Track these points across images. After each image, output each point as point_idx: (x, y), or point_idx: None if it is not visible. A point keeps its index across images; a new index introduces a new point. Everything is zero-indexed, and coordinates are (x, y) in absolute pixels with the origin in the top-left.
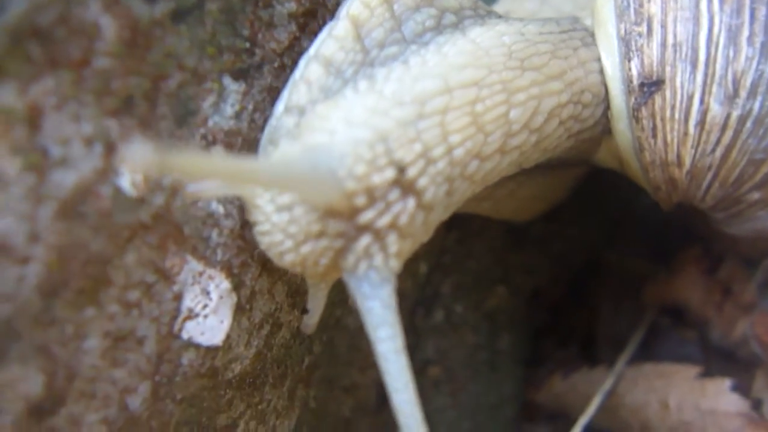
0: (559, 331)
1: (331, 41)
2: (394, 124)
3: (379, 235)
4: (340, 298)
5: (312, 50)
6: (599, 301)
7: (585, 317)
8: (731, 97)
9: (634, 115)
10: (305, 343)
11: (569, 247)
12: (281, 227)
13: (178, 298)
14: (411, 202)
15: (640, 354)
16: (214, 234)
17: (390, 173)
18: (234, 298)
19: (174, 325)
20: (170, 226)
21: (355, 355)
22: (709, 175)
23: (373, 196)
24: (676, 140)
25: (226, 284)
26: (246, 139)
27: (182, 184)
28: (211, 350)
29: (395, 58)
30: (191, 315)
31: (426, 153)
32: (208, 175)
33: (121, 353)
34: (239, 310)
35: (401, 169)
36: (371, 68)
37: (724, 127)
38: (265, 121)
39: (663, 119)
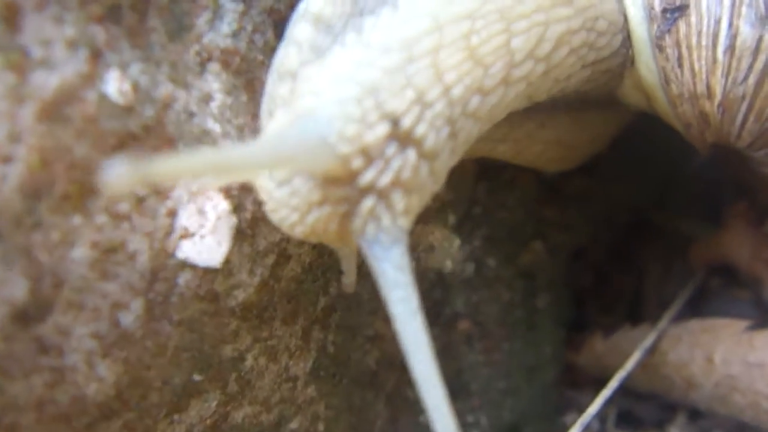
0: (603, 296)
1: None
2: (382, 73)
3: (383, 195)
4: None
5: (300, 8)
6: (646, 263)
7: (631, 281)
8: (763, 18)
9: (658, 44)
10: (319, 282)
11: (612, 206)
12: (284, 202)
13: (172, 214)
14: (411, 154)
15: (689, 315)
16: None
17: (383, 128)
18: (233, 220)
19: (168, 243)
20: (162, 139)
21: (379, 304)
22: (744, 107)
23: (369, 155)
24: (704, 69)
25: (224, 205)
26: (245, 59)
27: (174, 98)
28: (209, 272)
29: (385, 1)
30: (187, 234)
31: (420, 98)
32: (196, 174)
33: (111, 266)
34: (240, 235)
35: (395, 121)
36: (360, 18)
37: (756, 51)
38: (266, 44)
39: (689, 47)
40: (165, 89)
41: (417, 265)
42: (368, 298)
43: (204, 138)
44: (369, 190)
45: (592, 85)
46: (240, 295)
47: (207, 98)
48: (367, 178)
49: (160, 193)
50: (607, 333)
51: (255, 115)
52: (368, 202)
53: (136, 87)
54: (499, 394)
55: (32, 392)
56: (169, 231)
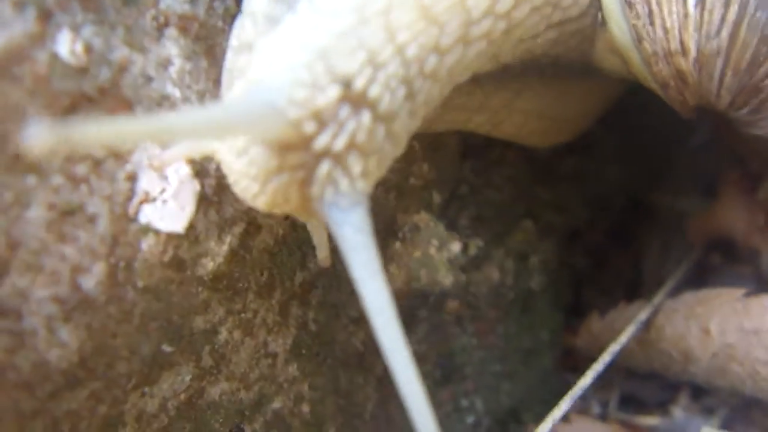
0: (601, 278)
1: None
2: (332, 37)
3: (338, 159)
4: None
5: None
6: (644, 243)
7: (629, 262)
8: None
9: (627, 1)
10: (295, 256)
11: (607, 186)
12: (243, 172)
13: (132, 178)
14: (366, 116)
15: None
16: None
17: (334, 90)
18: (196, 185)
19: (129, 207)
20: (119, 101)
21: None
22: (719, 62)
23: (321, 119)
24: (676, 24)
25: (186, 169)
26: (204, 25)
27: (130, 62)
28: (173, 237)
29: None
30: (148, 198)
31: (372, 59)
32: (134, 140)
33: (69, 228)
34: (205, 201)
35: (347, 83)
36: None
37: (727, 3)
38: (226, 10)
39: (659, 2)
40: (121, 53)
41: (403, 246)
42: (349, 277)
43: (163, 102)
44: (324, 154)
45: (562, 48)
46: (208, 264)
47: (165, 63)
48: (321, 142)
49: (119, 156)
50: (604, 311)
51: (216, 81)
52: (324, 167)
53: (89, 49)
54: (495, 378)
55: None
56: (130, 195)
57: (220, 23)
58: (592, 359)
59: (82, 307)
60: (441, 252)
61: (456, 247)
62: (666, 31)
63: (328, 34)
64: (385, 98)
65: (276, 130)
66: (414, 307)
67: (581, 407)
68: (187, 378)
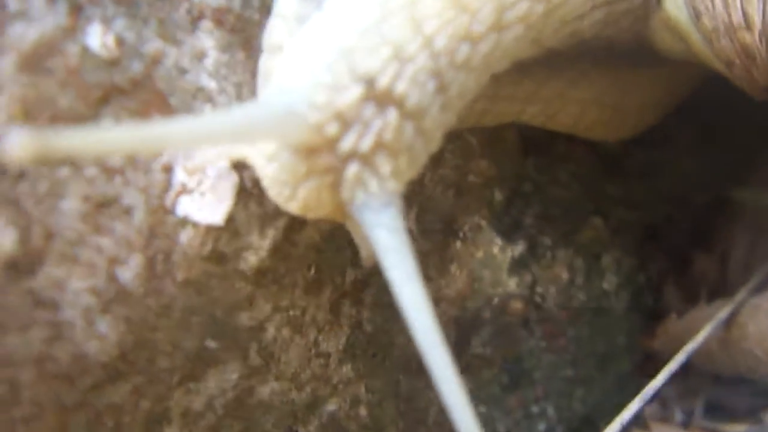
0: (683, 281)
1: None
2: (355, 34)
3: (366, 160)
4: None
5: None
6: (730, 244)
7: (714, 264)
8: None
9: None
10: (345, 253)
11: (686, 183)
12: (275, 177)
13: (168, 170)
14: (392, 114)
15: None
16: (207, 108)
17: (356, 90)
18: (235, 177)
19: (166, 199)
20: (152, 93)
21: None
22: None
23: (345, 120)
24: None
25: (223, 163)
26: (240, 18)
27: (164, 54)
28: (213, 230)
29: None
30: (185, 190)
31: (398, 53)
32: (148, 148)
33: (105, 220)
34: (244, 194)
35: (370, 81)
36: None
37: None
38: (262, 3)
39: None
40: (153, 45)
41: (464, 246)
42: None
43: (198, 94)
44: (351, 156)
45: (614, 29)
46: (251, 258)
47: (200, 55)
48: (346, 144)
49: None
50: (682, 311)
51: (254, 73)
52: (352, 168)
53: (120, 42)
54: (567, 384)
55: (30, 347)
56: (166, 187)
57: (256, 16)
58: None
59: (119, 300)
60: (505, 252)
61: (521, 246)
62: (726, 4)
63: (352, 31)
64: (413, 94)
65: (299, 135)
66: (477, 309)
67: (662, 415)
68: (235, 376)
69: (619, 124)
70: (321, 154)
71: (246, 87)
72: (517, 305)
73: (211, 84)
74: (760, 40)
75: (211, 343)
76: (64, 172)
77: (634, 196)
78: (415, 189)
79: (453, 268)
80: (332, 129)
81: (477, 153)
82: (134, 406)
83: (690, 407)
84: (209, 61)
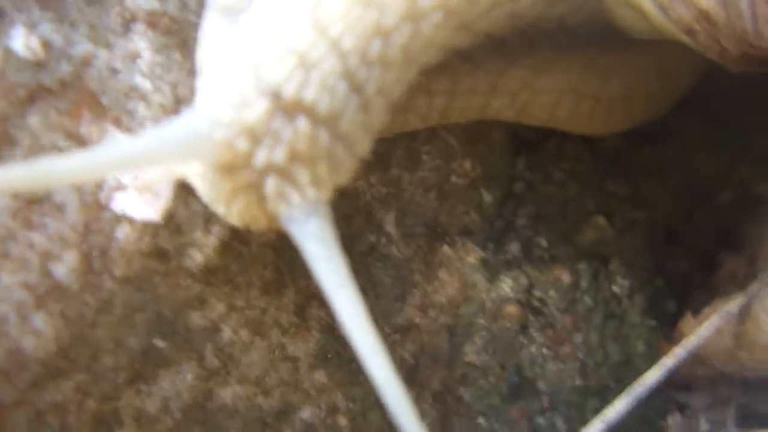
0: (712, 285)
1: None
2: (261, 47)
3: (283, 172)
4: (373, 222)
5: (210, 4)
6: (758, 243)
7: (742, 264)
8: None
9: None
10: None
11: (699, 179)
12: (207, 195)
13: None
14: (302, 122)
15: None
16: (141, 107)
17: (262, 104)
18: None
19: (100, 195)
20: (83, 93)
21: (406, 290)
22: None
23: (254, 134)
24: None
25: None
26: (175, 20)
27: (94, 56)
28: (150, 226)
29: None
30: (120, 186)
31: (303, 61)
32: (61, 181)
33: (36, 216)
34: (185, 189)
35: (275, 93)
36: None
37: None
38: (200, 4)
39: None
40: (83, 48)
41: (452, 250)
42: (391, 282)
43: (132, 93)
44: (267, 170)
45: (564, 7)
46: (196, 256)
47: (133, 56)
48: (260, 158)
49: (85, 145)
50: (697, 309)
51: (191, 72)
52: (271, 182)
53: (47, 45)
54: (577, 394)
55: None
56: (100, 184)
57: (193, 18)
58: (701, 373)
59: (54, 295)
60: (497, 254)
61: (514, 247)
62: None
63: (259, 43)
64: (323, 99)
65: (209, 153)
66: (470, 315)
67: (686, 424)
68: (189, 377)
69: (606, 116)
70: (239, 170)
71: (182, 86)
72: (512, 309)
73: (145, 84)
74: (717, 1)
75: (160, 343)
76: None
77: (642, 193)
78: (392, 192)
79: (442, 273)
80: (242, 145)
81: (458, 153)
82: (79, 406)
83: (721, 417)
84: (143, 62)
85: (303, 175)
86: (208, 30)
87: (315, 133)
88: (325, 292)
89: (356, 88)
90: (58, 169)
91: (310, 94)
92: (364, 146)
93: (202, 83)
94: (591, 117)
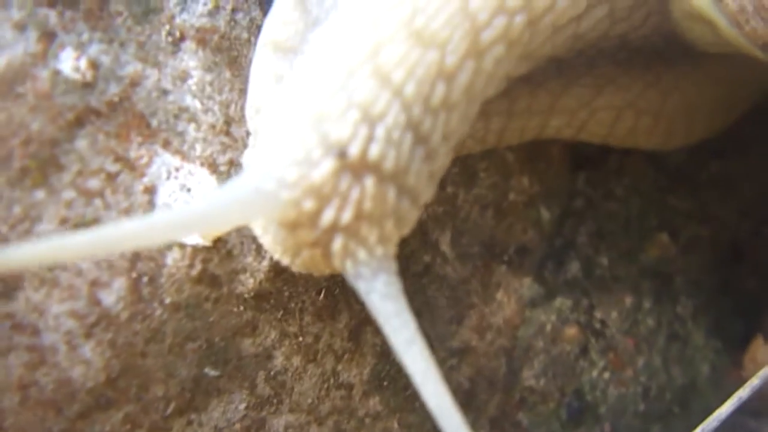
0: None
1: (272, 20)
2: (323, 99)
3: (350, 231)
4: (428, 242)
5: (259, 40)
6: None
7: None
8: None
9: None
10: None
11: (766, 194)
12: (271, 248)
13: (151, 191)
14: (369, 182)
15: None
16: (191, 128)
17: (329, 163)
18: None
19: None
20: (131, 115)
21: (462, 311)
22: None
23: (320, 194)
24: None
25: (211, 180)
26: (225, 37)
27: (143, 76)
28: (200, 251)
29: (334, 5)
30: None
31: (366, 115)
32: (119, 247)
33: None
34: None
35: (341, 152)
36: (313, 30)
37: None
38: (251, 21)
39: None
40: (132, 68)
41: (510, 270)
42: (446, 303)
43: (182, 114)
44: (334, 229)
45: (625, 26)
46: (248, 281)
47: (183, 76)
48: (326, 218)
49: (135, 169)
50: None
51: (241, 91)
52: (338, 242)
53: (95, 65)
54: (640, 420)
55: (11, 372)
56: (149, 209)
57: (245, 34)
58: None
59: (103, 323)
60: (557, 274)
61: (574, 267)
62: None
63: (319, 95)
64: (389, 155)
65: (274, 213)
66: (528, 337)
67: None
68: (242, 406)
69: (666, 131)
70: (303, 229)
71: (233, 106)
72: (572, 332)
73: (195, 104)
74: None
75: (211, 371)
76: (40, 195)
77: (707, 209)
78: (448, 211)
79: (499, 294)
80: (309, 205)
81: (516, 169)
82: None
83: None
84: (192, 82)
85: (371, 234)
86: (260, 69)
87: (382, 190)
88: (393, 347)
89: (421, 138)
90: (125, 235)
91: (376, 151)
92: (428, 195)
93: (260, 132)
94: (651, 133)
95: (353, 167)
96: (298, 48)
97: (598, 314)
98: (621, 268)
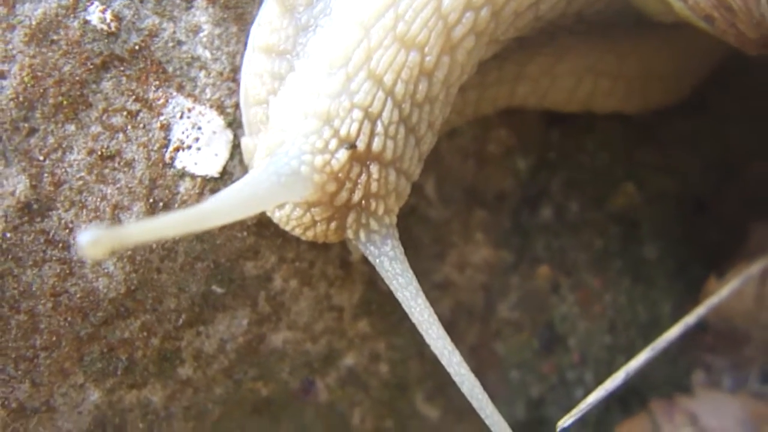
0: (743, 254)
1: (261, 28)
2: (329, 100)
3: (361, 207)
4: (414, 186)
5: (249, 43)
6: None
7: None
8: None
9: None
10: None
11: (730, 151)
12: (283, 222)
13: (166, 128)
14: (374, 169)
15: None
16: (202, 75)
17: (343, 154)
18: (229, 135)
19: (165, 153)
20: (149, 62)
21: (445, 250)
22: None
23: (339, 179)
24: None
25: (219, 120)
26: None
27: (160, 29)
28: (209, 181)
29: (323, 11)
30: (182, 146)
31: (367, 114)
32: (174, 231)
33: (109, 171)
34: (239, 150)
35: (351, 146)
36: (305, 35)
37: None
38: None
39: None
40: (151, 21)
41: (489, 214)
42: (430, 241)
43: (194, 63)
44: (347, 206)
45: (582, 3)
46: None
47: (195, 29)
48: (341, 198)
49: (152, 108)
50: (721, 271)
51: (246, 45)
52: (351, 216)
53: (119, 18)
54: (606, 351)
55: (45, 281)
56: (165, 143)
57: None
58: (730, 336)
59: None
60: (531, 218)
61: (547, 212)
62: None
63: (326, 98)
64: (388, 147)
65: (305, 194)
66: (504, 274)
67: (709, 381)
68: (245, 322)
69: (624, 93)
70: (320, 206)
71: (239, 56)
72: (544, 270)
73: (205, 54)
74: None
75: (218, 289)
76: (71, 128)
77: (672, 164)
78: (432, 159)
79: (478, 235)
80: (331, 187)
81: (495, 124)
82: (145, 343)
83: (744, 375)
84: (203, 34)
85: (380, 207)
86: (255, 69)
87: (385, 174)
88: (401, 302)
89: (411, 129)
90: (183, 220)
91: (377, 144)
92: (418, 173)
93: (272, 121)
94: (609, 95)
95: (360, 158)
96: (291, 50)
97: (568, 256)
98: (590, 213)
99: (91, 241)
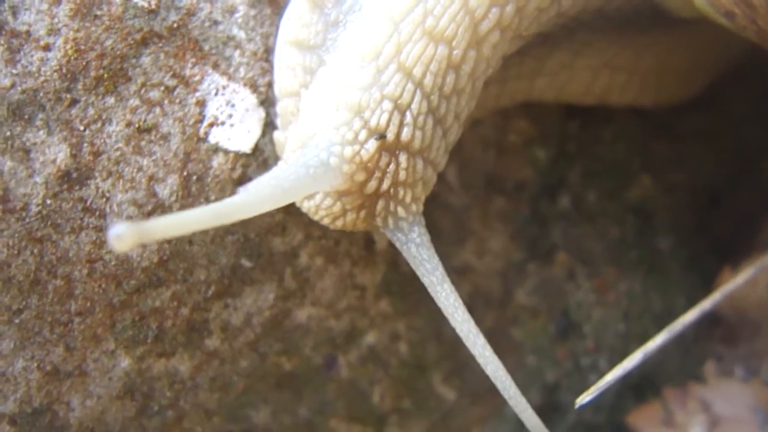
0: (751, 246)
1: (291, 22)
2: (360, 92)
3: (389, 195)
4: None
5: (279, 37)
6: None
7: None
8: None
9: None
10: None
11: (749, 147)
12: (312, 212)
13: (201, 104)
14: (402, 158)
15: None
16: (236, 54)
17: (372, 144)
18: (262, 113)
19: (200, 129)
20: (187, 40)
21: (465, 236)
22: None
23: (368, 168)
24: None
25: (252, 98)
26: None
27: (198, 8)
28: (241, 157)
29: (352, 7)
30: (216, 122)
31: (396, 105)
32: (203, 225)
33: (146, 144)
34: (271, 128)
35: (381, 136)
36: (335, 30)
37: None
38: None
39: None
40: (189, 0)
41: (509, 203)
42: (450, 227)
43: (229, 42)
44: (376, 195)
45: (602, 0)
46: None
47: (231, 10)
48: (370, 187)
49: (189, 85)
50: (736, 263)
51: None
52: (380, 204)
53: None
54: (620, 339)
55: (81, 248)
56: (199, 119)
57: None
58: (743, 328)
59: (158, 212)
60: (551, 206)
61: (565, 201)
62: None
63: (357, 90)
64: (417, 137)
65: (334, 184)
66: (522, 261)
67: (721, 370)
68: (271, 296)
69: (639, 88)
70: (350, 195)
71: (272, 37)
72: (561, 257)
73: (240, 34)
74: None
75: (247, 263)
76: (110, 101)
77: (688, 158)
78: (455, 148)
79: (496, 222)
80: (360, 176)
81: (515, 112)
82: (175, 312)
83: (757, 365)
84: (239, 15)
85: (407, 196)
86: (287, 62)
87: (413, 164)
88: (427, 286)
89: (439, 120)
90: (212, 214)
91: (406, 135)
92: (444, 163)
93: (303, 113)
94: (625, 88)
95: (390, 148)
96: (321, 45)
97: (584, 245)
98: (606, 203)
99: (118, 235)
